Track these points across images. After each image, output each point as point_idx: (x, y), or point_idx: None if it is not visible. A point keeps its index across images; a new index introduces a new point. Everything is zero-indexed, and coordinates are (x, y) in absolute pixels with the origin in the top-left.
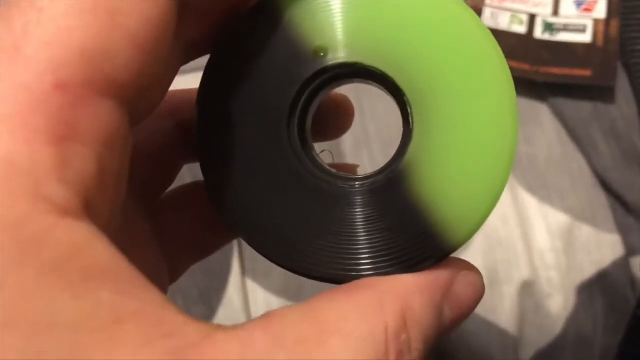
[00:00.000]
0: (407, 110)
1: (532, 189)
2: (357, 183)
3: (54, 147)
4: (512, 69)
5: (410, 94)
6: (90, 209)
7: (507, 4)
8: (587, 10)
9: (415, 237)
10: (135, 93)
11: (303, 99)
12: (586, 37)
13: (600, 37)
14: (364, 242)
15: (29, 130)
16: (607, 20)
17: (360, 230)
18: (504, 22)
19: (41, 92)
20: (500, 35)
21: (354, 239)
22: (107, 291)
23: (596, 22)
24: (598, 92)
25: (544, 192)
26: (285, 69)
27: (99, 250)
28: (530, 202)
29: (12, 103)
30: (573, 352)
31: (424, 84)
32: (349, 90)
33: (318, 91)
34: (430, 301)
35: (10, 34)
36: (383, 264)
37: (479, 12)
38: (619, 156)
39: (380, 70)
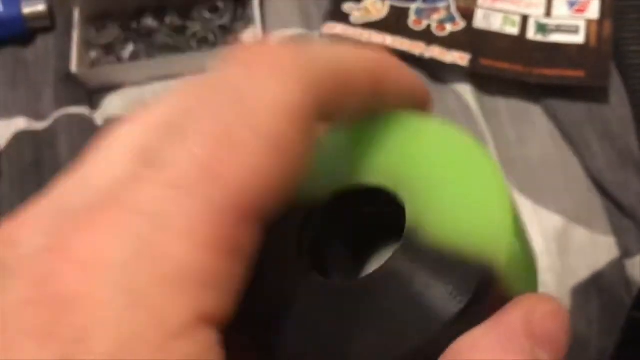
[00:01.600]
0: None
1: (526, 191)
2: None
3: (218, 259)
4: (505, 71)
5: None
6: (223, 321)
7: (500, 5)
8: (580, 10)
9: (460, 276)
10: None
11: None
12: (579, 38)
13: (594, 37)
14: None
15: (203, 244)
16: (600, 21)
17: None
18: (497, 24)
19: (221, 212)
20: (493, 37)
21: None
22: None
23: (589, 22)
24: (592, 93)
25: (537, 194)
26: None
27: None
28: (524, 204)
29: (197, 218)
30: (569, 353)
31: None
32: None
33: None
34: (520, 354)
35: (201, 150)
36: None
37: (471, 13)
38: (613, 157)
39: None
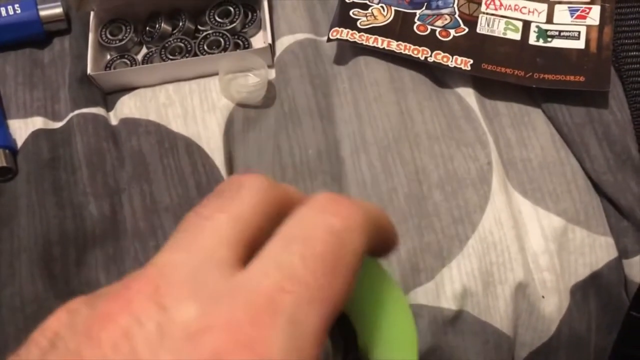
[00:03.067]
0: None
1: (526, 192)
2: None
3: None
4: (506, 75)
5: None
6: None
7: (502, 11)
8: (581, 17)
9: None
10: None
11: None
12: (580, 44)
13: (594, 43)
14: None
15: (319, 344)
16: (601, 27)
17: None
18: (499, 29)
19: (325, 323)
20: (495, 42)
21: None
22: None
23: (590, 28)
24: (591, 97)
25: (538, 195)
26: None
27: None
28: (525, 205)
29: (319, 329)
30: (567, 351)
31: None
32: (346, 92)
33: None
34: None
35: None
36: None
37: (474, 19)
38: (612, 160)
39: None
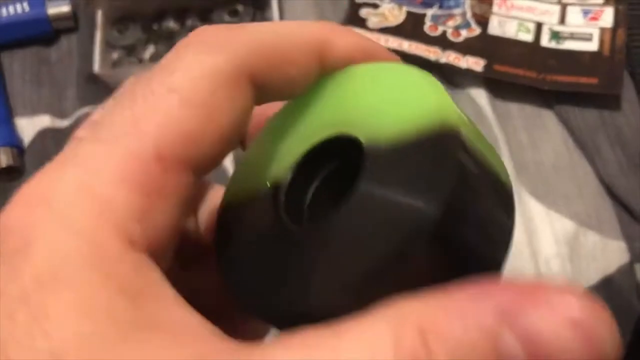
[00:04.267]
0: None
1: (538, 195)
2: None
3: (144, 197)
4: (518, 77)
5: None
6: (155, 251)
7: (514, 12)
8: (594, 19)
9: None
10: (211, 167)
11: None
12: (593, 46)
13: (607, 45)
14: None
15: (130, 185)
16: (614, 29)
17: None
18: (511, 30)
19: (145, 160)
20: (507, 43)
21: None
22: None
23: (603, 30)
24: (604, 100)
25: (550, 198)
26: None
27: (154, 278)
28: (536, 208)
29: (124, 165)
30: None
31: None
32: None
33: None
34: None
35: (131, 111)
36: None
37: (486, 20)
38: (624, 163)
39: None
